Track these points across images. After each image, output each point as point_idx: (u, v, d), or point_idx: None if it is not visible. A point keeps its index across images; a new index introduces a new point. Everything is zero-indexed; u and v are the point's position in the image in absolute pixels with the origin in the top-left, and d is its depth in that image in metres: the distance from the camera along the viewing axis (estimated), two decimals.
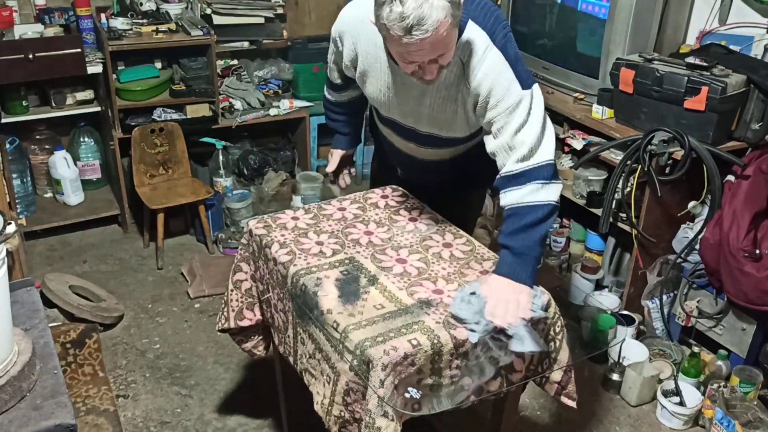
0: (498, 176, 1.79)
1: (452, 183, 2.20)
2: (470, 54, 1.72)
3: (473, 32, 1.72)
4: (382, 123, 2.17)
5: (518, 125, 1.73)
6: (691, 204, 2.67)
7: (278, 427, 2.43)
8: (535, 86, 1.76)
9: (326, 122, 2.58)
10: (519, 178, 1.74)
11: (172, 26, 3.50)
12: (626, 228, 2.81)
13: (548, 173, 1.74)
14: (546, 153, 1.74)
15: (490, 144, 1.80)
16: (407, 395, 1.56)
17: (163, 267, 3.42)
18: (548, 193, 1.73)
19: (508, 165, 1.76)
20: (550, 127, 1.78)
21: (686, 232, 2.67)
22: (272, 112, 3.83)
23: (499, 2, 3.50)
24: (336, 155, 2.48)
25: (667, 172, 2.62)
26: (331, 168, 2.47)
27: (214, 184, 3.75)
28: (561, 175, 3.14)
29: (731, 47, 2.76)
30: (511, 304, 1.66)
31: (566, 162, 3.11)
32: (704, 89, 2.48)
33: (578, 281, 3.09)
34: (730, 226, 2.43)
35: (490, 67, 1.71)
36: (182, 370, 2.74)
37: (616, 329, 2.78)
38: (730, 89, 2.47)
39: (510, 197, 1.76)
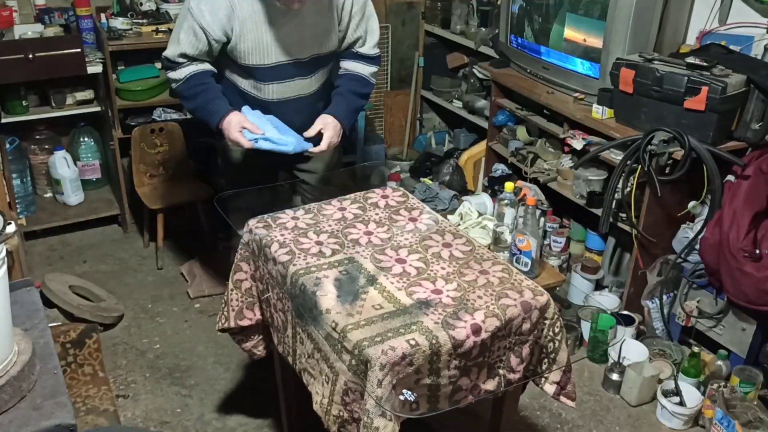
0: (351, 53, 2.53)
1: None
2: None
3: None
4: (260, 85, 2.46)
5: (373, 18, 2.50)
6: (691, 204, 2.67)
7: (278, 427, 2.43)
8: None
9: (194, 109, 2.50)
10: (371, 59, 2.55)
11: (172, 26, 3.50)
12: (626, 228, 2.81)
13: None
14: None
15: (352, 35, 2.48)
16: (402, 397, 1.56)
17: (163, 267, 3.42)
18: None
19: (365, 48, 2.52)
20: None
21: (686, 232, 2.67)
22: None
23: (499, 2, 3.51)
24: (245, 119, 2.40)
25: (667, 172, 2.62)
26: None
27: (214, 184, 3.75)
28: (561, 175, 3.17)
29: (731, 47, 2.76)
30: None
31: (566, 162, 3.11)
32: (704, 89, 2.48)
33: (578, 281, 3.09)
34: (730, 226, 2.43)
35: None
36: (182, 370, 2.74)
37: (616, 329, 2.78)
38: (730, 89, 2.47)
39: (363, 70, 2.55)
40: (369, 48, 2.53)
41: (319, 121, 2.45)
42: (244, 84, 2.48)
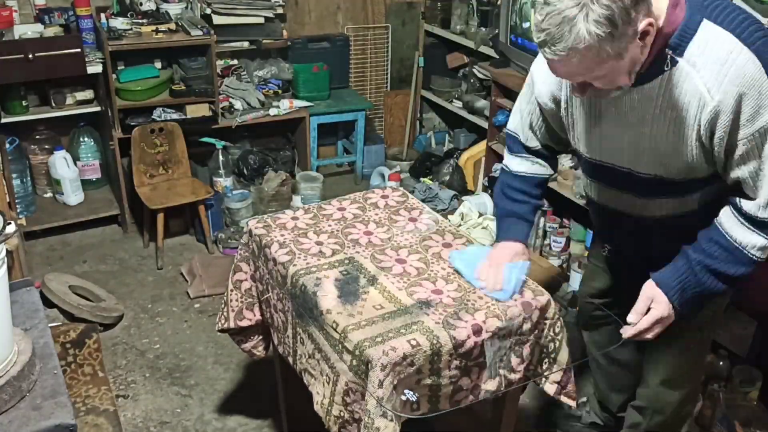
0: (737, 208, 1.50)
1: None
2: (707, 60, 1.39)
3: (711, 33, 1.38)
4: (587, 175, 1.81)
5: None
6: None
7: (278, 427, 2.43)
8: None
9: (499, 209, 1.91)
10: (765, 228, 1.47)
11: (172, 26, 3.50)
12: None
13: None
14: None
15: (733, 174, 1.48)
16: (404, 398, 1.56)
17: (163, 267, 3.42)
18: None
19: (759, 205, 1.46)
20: None
21: None
22: (272, 112, 3.83)
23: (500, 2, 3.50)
24: (507, 251, 1.82)
25: None
26: (493, 277, 1.76)
27: (214, 184, 3.75)
28: (561, 175, 3.17)
29: None
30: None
31: (566, 162, 3.11)
32: None
33: (578, 281, 3.09)
34: None
35: (739, 75, 1.36)
36: (182, 370, 2.74)
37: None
38: None
39: (744, 237, 1.49)
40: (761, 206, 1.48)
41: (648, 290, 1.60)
42: None
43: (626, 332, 1.59)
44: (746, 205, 1.48)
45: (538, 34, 1.32)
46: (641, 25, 1.31)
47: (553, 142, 1.83)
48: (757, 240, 1.49)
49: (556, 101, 1.68)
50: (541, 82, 1.70)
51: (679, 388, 1.93)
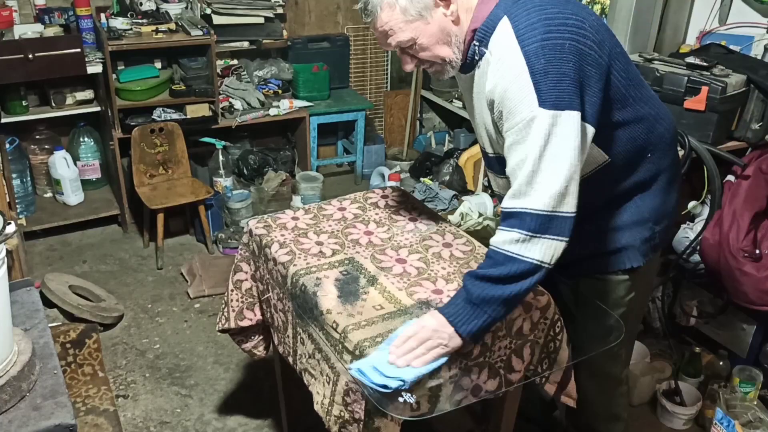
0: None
1: None
2: (495, 55, 1.50)
3: (502, 30, 1.48)
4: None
5: (526, 150, 1.42)
6: (691, 204, 2.67)
7: (278, 427, 2.43)
8: (565, 113, 1.40)
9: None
10: (509, 219, 1.46)
11: (172, 26, 3.51)
12: None
13: (534, 224, 1.42)
14: (540, 198, 1.41)
15: (508, 166, 1.50)
16: (401, 399, 1.55)
17: (163, 267, 3.42)
18: (529, 249, 1.43)
19: (506, 197, 1.48)
20: (565, 171, 1.41)
21: (686, 232, 2.67)
22: (272, 112, 3.83)
23: None
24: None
25: None
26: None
27: (214, 184, 3.75)
28: None
29: (731, 47, 2.76)
30: (424, 346, 1.48)
31: None
32: (704, 89, 2.48)
33: None
34: (730, 226, 2.43)
35: (506, 70, 1.45)
36: (182, 370, 2.74)
37: None
38: (730, 89, 2.47)
39: (495, 237, 1.49)
40: (508, 197, 1.49)
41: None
42: None
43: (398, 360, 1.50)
44: (503, 203, 1.49)
45: (360, 5, 1.54)
46: None
47: None
48: (510, 233, 1.45)
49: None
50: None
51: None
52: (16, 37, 3.22)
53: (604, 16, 2.83)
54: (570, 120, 1.41)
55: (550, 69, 1.40)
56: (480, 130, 1.72)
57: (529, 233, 1.43)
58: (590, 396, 1.95)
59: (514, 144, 1.46)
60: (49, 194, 3.77)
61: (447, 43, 1.55)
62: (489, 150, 1.75)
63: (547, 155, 1.41)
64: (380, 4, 1.51)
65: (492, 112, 1.55)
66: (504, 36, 1.48)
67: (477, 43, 1.55)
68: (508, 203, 1.46)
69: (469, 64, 1.60)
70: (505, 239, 1.46)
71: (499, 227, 1.49)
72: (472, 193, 3.87)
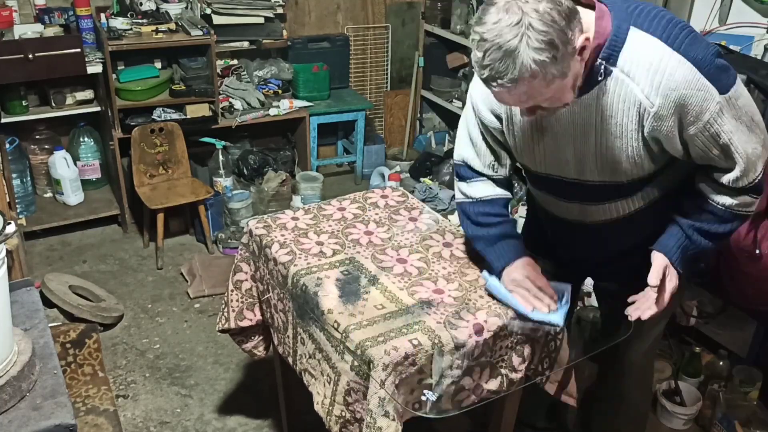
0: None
1: (626, 265, 1.73)
2: (639, 68, 1.42)
3: (640, 41, 1.41)
4: (536, 187, 1.82)
5: (729, 136, 1.46)
6: None
7: (278, 427, 2.43)
8: (736, 84, 1.45)
9: (480, 241, 1.80)
10: (745, 193, 1.56)
11: (172, 26, 3.50)
12: None
13: (762, 186, 1.56)
14: (760, 166, 1.53)
15: (701, 161, 1.54)
16: (423, 398, 1.56)
17: (163, 267, 3.42)
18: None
19: (731, 179, 1.53)
20: (762, 134, 1.52)
21: None
22: (272, 112, 3.83)
23: None
24: (521, 270, 1.72)
25: None
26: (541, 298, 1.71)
27: (213, 184, 3.75)
28: None
29: (731, 47, 2.76)
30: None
31: None
32: None
33: None
34: None
35: (672, 79, 1.40)
36: (182, 370, 2.74)
37: None
38: None
39: (731, 200, 1.57)
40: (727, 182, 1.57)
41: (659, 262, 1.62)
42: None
43: (643, 313, 1.59)
44: (724, 178, 1.54)
45: (482, 71, 1.31)
46: (579, 42, 1.32)
47: (502, 164, 1.78)
48: (743, 198, 1.57)
49: (499, 118, 1.67)
50: (482, 102, 1.68)
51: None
52: (16, 37, 3.22)
53: None
54: (741, 87, 1.46)
55: (707, 57, 1.40)
56: (587, 155, 1.57)
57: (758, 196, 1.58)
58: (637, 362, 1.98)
59: (709, 139, 1.47)
60: (49, 194, 3.77)
61: (574, 87, 1.41)
62: (593, 179, 1.62)
63: (743, 128, 1.47)
64: (522, 75, 1.28)
65: (644, 127, 1.47)
66: (646, 46, 1.41)
67: (603, 62, 1.43)
68: (740, 183, 1.53)
69: (584, 86, 1.46)
70: (743, 202, 1.57)
71: (733, 193, 1.55)
72: None
